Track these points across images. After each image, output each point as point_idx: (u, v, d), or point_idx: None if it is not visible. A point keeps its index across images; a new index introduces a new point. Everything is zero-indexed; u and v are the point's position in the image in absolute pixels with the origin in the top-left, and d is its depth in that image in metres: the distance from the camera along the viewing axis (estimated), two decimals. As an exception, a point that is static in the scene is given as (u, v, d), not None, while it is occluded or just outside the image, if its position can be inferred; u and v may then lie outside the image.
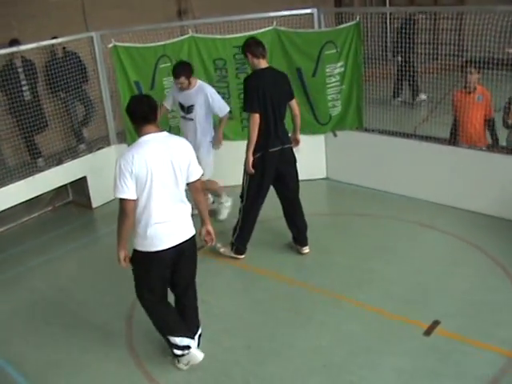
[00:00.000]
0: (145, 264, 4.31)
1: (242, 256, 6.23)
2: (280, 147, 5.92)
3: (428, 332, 4.82)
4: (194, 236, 4.39)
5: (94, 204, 7.91)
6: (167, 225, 4.21)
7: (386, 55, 8.93)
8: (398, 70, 8.18)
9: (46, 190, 7.48)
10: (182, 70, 6.66)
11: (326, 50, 7.46)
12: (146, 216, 4.16)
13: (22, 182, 7.05)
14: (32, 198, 7.32)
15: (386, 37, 8.74)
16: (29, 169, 7.28)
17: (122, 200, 4.08)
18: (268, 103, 5.76)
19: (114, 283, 5.92)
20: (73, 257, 6.76)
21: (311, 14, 7.71)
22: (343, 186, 7.88)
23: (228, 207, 7.19)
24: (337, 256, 6.14)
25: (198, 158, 6.22)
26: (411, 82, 8.77)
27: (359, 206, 7.27)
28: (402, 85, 8.72)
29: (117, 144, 8.10)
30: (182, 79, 6.64)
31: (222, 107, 6.87)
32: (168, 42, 7.75)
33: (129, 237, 4.24)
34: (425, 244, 6.29)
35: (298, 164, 6.06)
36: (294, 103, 6.11)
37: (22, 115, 7.37)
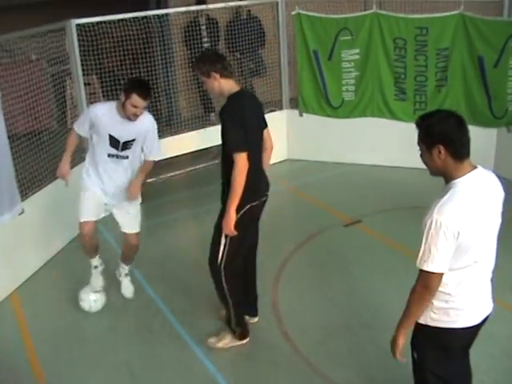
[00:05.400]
0: (441, 345, 3.17)
1: (247, 339, 4.77)
2: (267, 192, 4.56)
3: None
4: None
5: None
6: (479, 297, 3.14)
7: None
8: None
9: (215, 144, 7.72)
10: (149, 93, 4.80)
11: (512, 40, 7.15)
12: (458, 289, 3.01)
13: (194, 132, 7.42)
14: (201, 150, 7.66)
15: None
16: (202, 121, 7.65)
17: (427, 273, 2.90)
18: (254, 138, 4.31)
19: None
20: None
21: (501, 0, 7.39)
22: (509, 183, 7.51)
23: None
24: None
25: (129, 211, 5.12)
26: None
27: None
28: None
29: (289, 109, 8.43)
30: (147, 103, 4.74)
31: (157, 148, 5.08)
32: (351, 15, 7.82)
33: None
34: None
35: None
36: (267, 133, 4.58)
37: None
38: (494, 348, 4.52)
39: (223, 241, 4.32)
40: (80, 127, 4.95)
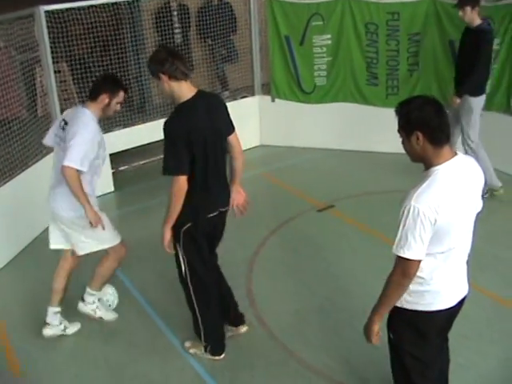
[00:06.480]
0: (418, 328, 3.18)
1: (223, 355, 4.44)
2: (223, 209, 4.16)
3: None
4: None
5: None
6: (455, 280, 3.14)
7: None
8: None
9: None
10: None
11: (482, 25, 7.19)
12: (433, 274, 3.01)
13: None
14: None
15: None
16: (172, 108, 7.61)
17: (406, 260, 2.87)
18: (208, 151, 3.84)
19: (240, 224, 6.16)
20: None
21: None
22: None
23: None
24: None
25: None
26: None
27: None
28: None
29: (261, 95, 8.50)
30: None
31: None
32: (322, 0, 7.81)
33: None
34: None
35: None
36: (234, 138, 4.10)
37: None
38: (467, 329, 4.56)
39: (180, 254, 4.12)
40: (84, 162, 4.19)
